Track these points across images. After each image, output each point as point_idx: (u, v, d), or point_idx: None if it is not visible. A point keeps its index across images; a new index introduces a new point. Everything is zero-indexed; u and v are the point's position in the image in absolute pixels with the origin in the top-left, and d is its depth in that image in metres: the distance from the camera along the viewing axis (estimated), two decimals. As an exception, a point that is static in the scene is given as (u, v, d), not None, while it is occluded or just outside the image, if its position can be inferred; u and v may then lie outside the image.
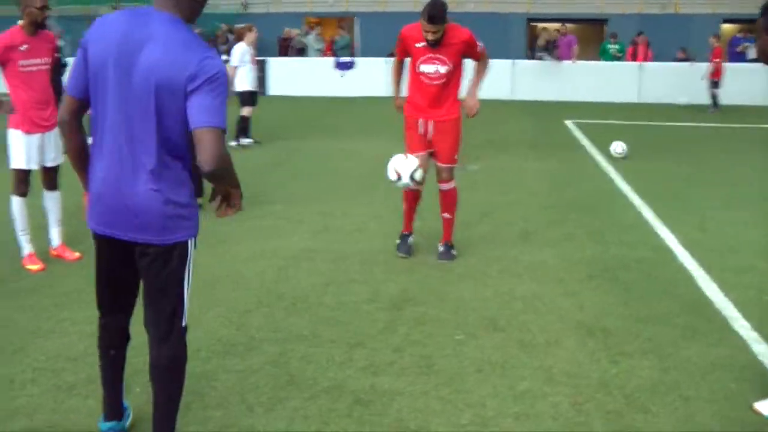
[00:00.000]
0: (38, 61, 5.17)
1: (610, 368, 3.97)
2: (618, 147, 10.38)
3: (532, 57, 20.10)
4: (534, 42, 20.61)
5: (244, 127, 11.63)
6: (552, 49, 19.00)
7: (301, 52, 22.57)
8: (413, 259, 5.86)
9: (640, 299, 4.99)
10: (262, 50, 22.81)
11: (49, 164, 5.44)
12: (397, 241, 6.03)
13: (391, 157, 5.65)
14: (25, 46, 5.07)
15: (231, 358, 4.06)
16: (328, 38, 23.93)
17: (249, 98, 11.47)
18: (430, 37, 5.34)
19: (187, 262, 2.87)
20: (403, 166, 5.54)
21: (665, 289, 5.18)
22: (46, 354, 4.04)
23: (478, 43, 5.59)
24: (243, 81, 11.35)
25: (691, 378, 3.86)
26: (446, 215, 5.93)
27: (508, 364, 4.01)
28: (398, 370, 3.94)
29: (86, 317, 4.22)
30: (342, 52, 21.85)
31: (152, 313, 2.89)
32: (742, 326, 4.51)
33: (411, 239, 6.03)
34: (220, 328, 4.48)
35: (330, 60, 21.19)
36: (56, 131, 5.46)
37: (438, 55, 5.45)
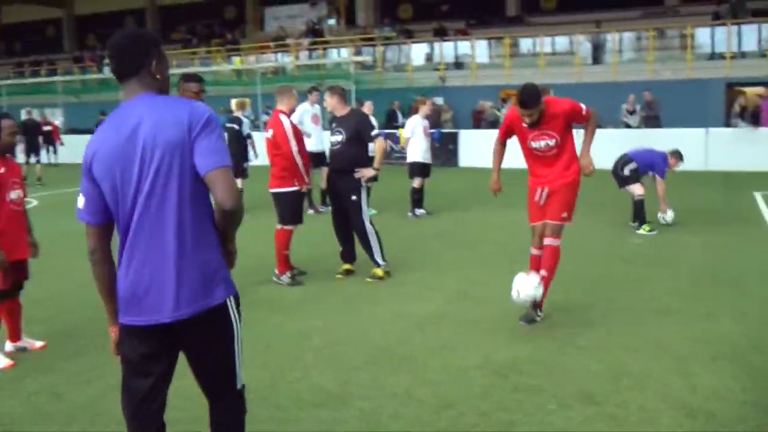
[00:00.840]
0: None
1: (699, 451, 3.80)
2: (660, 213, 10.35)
3: (728, 124, 19.13)
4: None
5: (416, 199, 12.05)
6: (747, 116, 17.92)
7: (494, 124, 22.98)
8: (539, 329, 5.87)
9: (765, 385, 4.68)
10: (456, 123, 23.61)
11: None
12: (526, 310, 6.10)
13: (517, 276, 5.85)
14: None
15: (324, 410, 4.37)
16: (522, 110, 24.19)
17: (419, 170, 11.88)
18: (527, 120, 5.61)
19: (232, 323, 2.84)
20: (524, 284, 5.73)
21: (798, 376, 4.81)
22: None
23: (582, 107, 5.74)
24: (414, 152, 11.83)
25: (787, 469, 3.61)
26: (543, 272, 5.90)
27: (589, 438, 3.97)
28: (476, 434, 4.04)
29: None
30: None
31: (204, 382, 2.93)
32: None
33: (538, 310, 6.06)
34: (325, 381, 4.82)
35: (521, 131, 21.34)
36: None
37: (545, 131, 5.71)
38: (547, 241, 5.88)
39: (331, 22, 32.55)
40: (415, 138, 11.78)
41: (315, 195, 12.48)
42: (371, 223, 7.68)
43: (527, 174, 6.09)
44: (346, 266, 7.91)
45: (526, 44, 27.22)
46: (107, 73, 32.15)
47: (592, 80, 22.52)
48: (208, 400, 2.99)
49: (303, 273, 7.87)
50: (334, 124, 7.78)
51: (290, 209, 7.51)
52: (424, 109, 12.04)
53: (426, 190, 12.43)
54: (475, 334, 5.79)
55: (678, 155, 10.23)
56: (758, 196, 13.00)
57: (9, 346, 5.58)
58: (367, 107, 12.68)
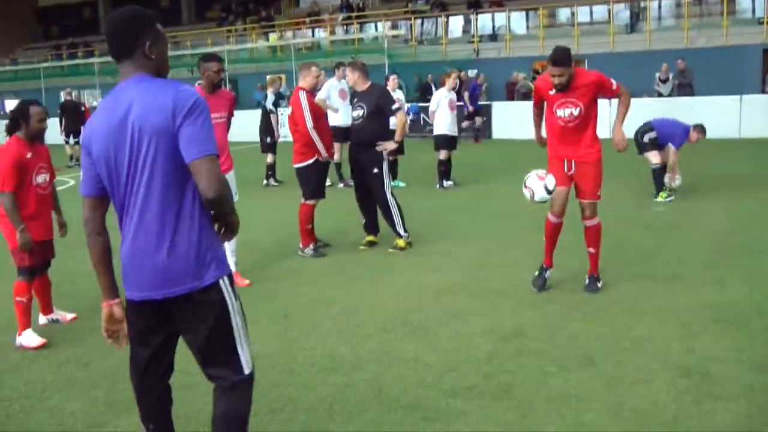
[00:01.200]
0: (216, 115, 6.09)
1: (689, 409, 3.94)
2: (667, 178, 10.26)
3: (764, 90, 18.86)
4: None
5: (443, 171, 12.22)
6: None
7: (527, 96, 22.90)
8: (547, 296, 6.06)
9: (763, 347, 4.79)
10: (490, 95, 23.57)
11: None
12: (536, 273, 6.26)
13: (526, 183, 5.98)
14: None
15: (334, 374, 4.62)
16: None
17: (444, 142, 12.02)
18: (556, 81, 5.67)
19: (227, 303, 2.85)
20: (534, 182, 5.90)
21: (799, 338, 4.91)
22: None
23: (611, 82, 5.81)
24: (440, 125, 11.98)
25: (772, 427, 3.75)
26: (591, 250, 6.14)
27: (583, 397, 4.14)
28: (476, 394, 4.24)
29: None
30: (568, 95, 21.87)
31: (203, 364, 2.94)
32: None
33: (548, 273, 6.22)
34: (338, 347, 5.08)
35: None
36: (231, 173, 6.48)
37: (570, 99, 5.77)
38: (588, 223, 6.07)
39: (366, -5, 32.54)
40: (440, 110, 11.90)
41: (345, 169, 12.69)
42: (393, 195, 7.89)
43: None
44: (370, 238, 8.15)
45: (564, 13, 27.00)
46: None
47: (627, 49, 22.30)
48: (214, 386, 2.97)
49: (327, 245, 8.13)
50: (355, 99, 7.98)
51: (312, 184, 7.74)
52: (449, 83, 12.13)
53: (457, 162, 12.59)
54: (487, 302, 5.97)
55: (701, 129, 10.21)
56: (791, 163, 12.91)
57: (42, 319, 5.94)
58: (392, 81, 12.82)
